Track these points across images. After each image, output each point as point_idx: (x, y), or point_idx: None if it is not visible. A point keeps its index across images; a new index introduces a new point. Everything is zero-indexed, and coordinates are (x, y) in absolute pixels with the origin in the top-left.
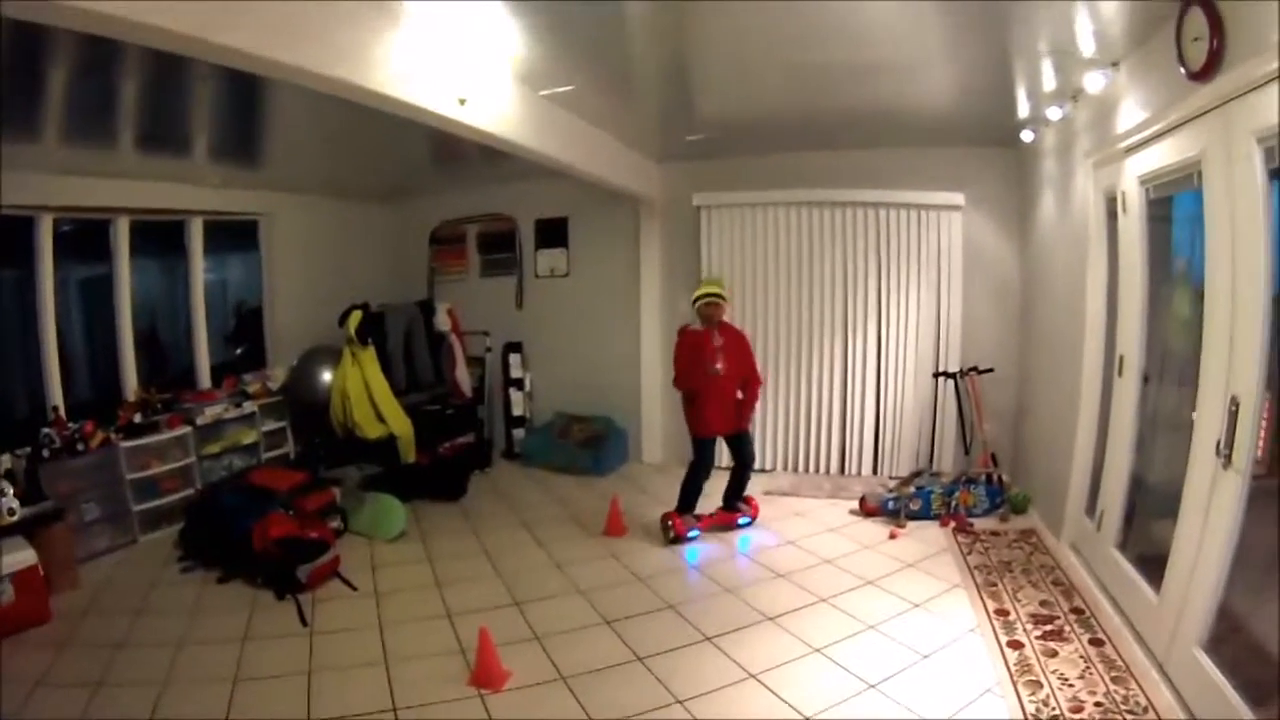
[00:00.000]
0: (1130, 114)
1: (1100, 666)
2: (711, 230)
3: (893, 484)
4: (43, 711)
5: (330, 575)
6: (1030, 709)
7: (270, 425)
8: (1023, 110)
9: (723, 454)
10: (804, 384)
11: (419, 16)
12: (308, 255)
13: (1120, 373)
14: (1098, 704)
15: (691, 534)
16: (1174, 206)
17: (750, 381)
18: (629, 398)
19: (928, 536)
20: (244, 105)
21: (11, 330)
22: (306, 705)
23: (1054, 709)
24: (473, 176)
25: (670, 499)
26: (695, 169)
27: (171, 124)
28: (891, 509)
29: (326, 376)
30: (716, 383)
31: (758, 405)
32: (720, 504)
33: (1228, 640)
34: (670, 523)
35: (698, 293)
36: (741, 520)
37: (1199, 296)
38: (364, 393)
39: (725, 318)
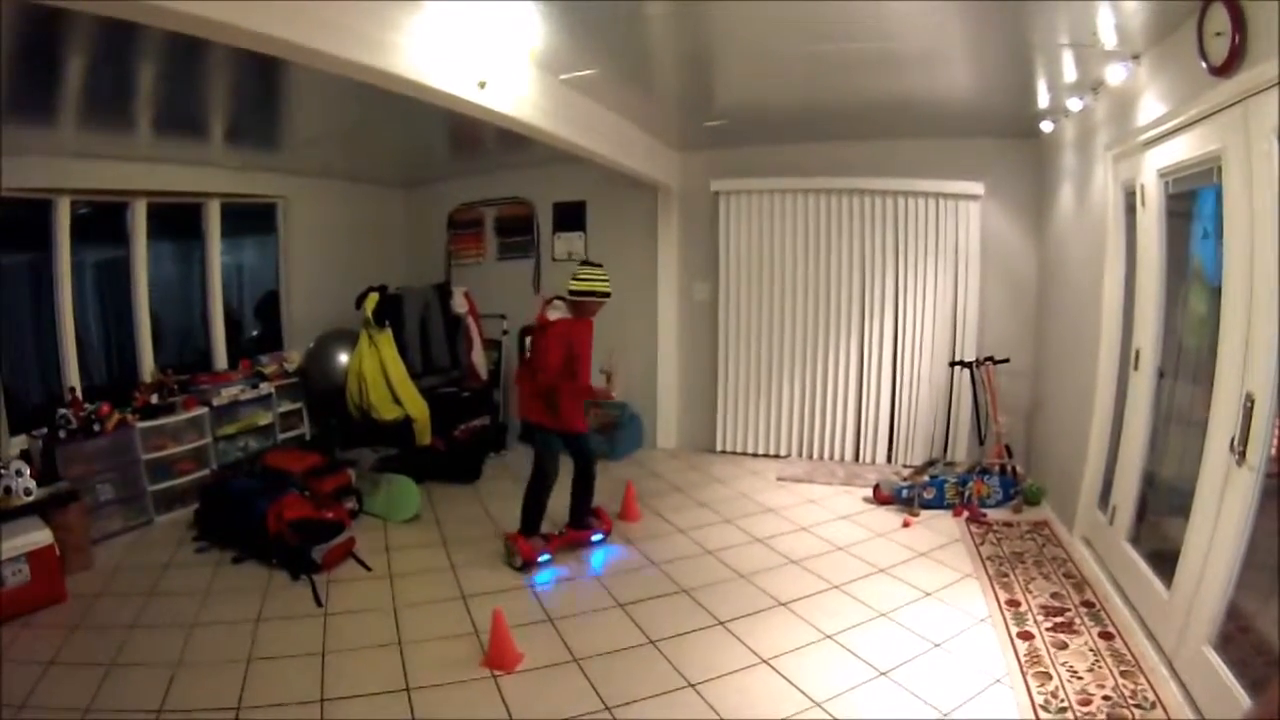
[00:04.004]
0: (1151, 107)
1: (1109, 660)
2: (730, 216)
3: (907, 472)
4: (56, 691)
5: (345, 557)
6: (1039, 700)
7: (286, 407)
8: (1043, 101)
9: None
10: (820, 371)
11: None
12: (325, 238)
13: (1136, 367)
14: (1106, 697)
15: (542, 557)
16: (1198, 202)
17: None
18: (645, 383)
19: (940, 526)
20: (262, 89)
21: (29, 312)
22: (320, 686)
23: (1063, 701)
24: (490, 161)
25: (684, 484)
26: (714, 156)
27: (189, 107)
28: (905, 497)
29: (343, 359)
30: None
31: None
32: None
33: (1237, 639)
34: (513, 546)
35: (597, 286)
36: (594, 536)
37: (1216, 292)
38: (380, 375)
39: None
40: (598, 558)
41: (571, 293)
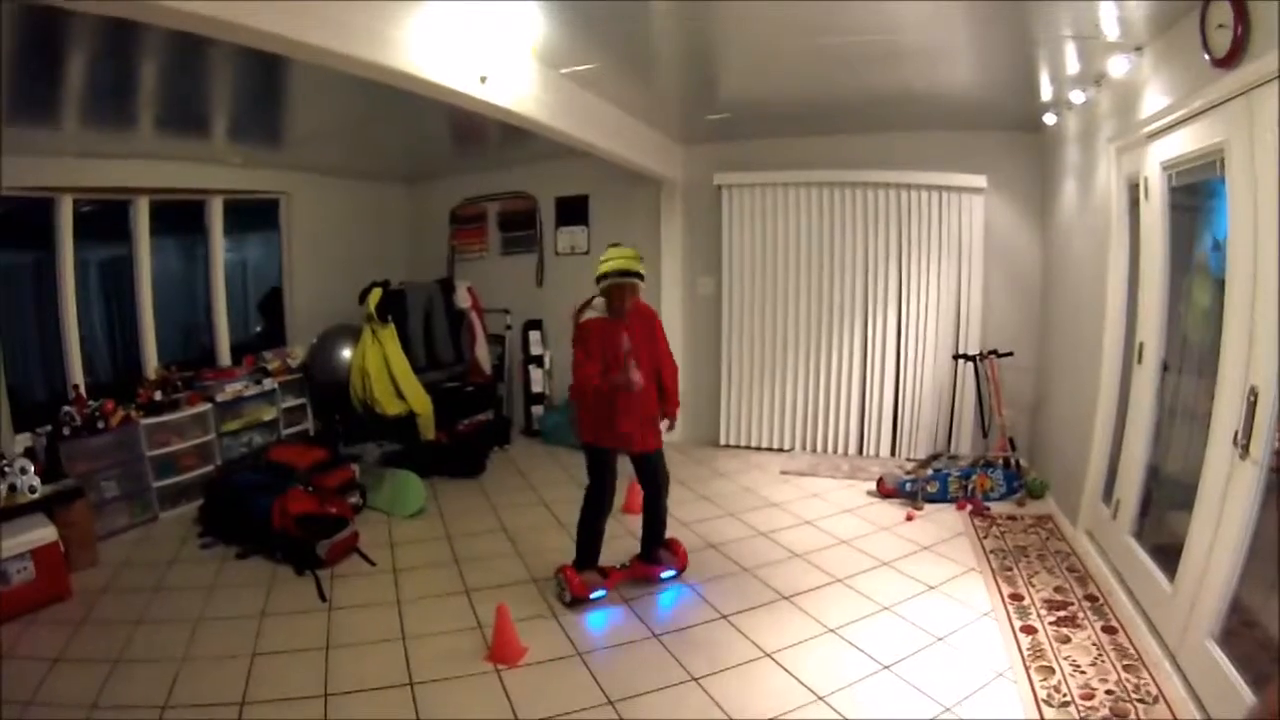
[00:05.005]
0: (1154, 100)
1: (1112, 654)
2: (732, 210)
3: (910, 466)
4: (62, 687)
5: (349, 551)
6: (1042, 694)
7: (290, 402)
8: (1046, 94)
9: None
10: (823, 364)
11: None
12: (328, 234)
13: (1140, 360)
14: (1109, 691)
15: (596, 594)
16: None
17: (674, 372)
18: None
19: (944, 519)
20: (264, 85)
21: (33, 310)
22: (324, 680)
23: (1065, 695)
24: (492, 156)
25: (688, 477)
26: (717, 150)
27: (191, 105)
28: (909, 491)
29: (346, 354)
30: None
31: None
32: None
33: (1239, 633)
34: (563, 578)
35: (609, 266)
36: (664, 573)
37: (1220, 285)
38: (384, 370)
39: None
40: (666, 598)
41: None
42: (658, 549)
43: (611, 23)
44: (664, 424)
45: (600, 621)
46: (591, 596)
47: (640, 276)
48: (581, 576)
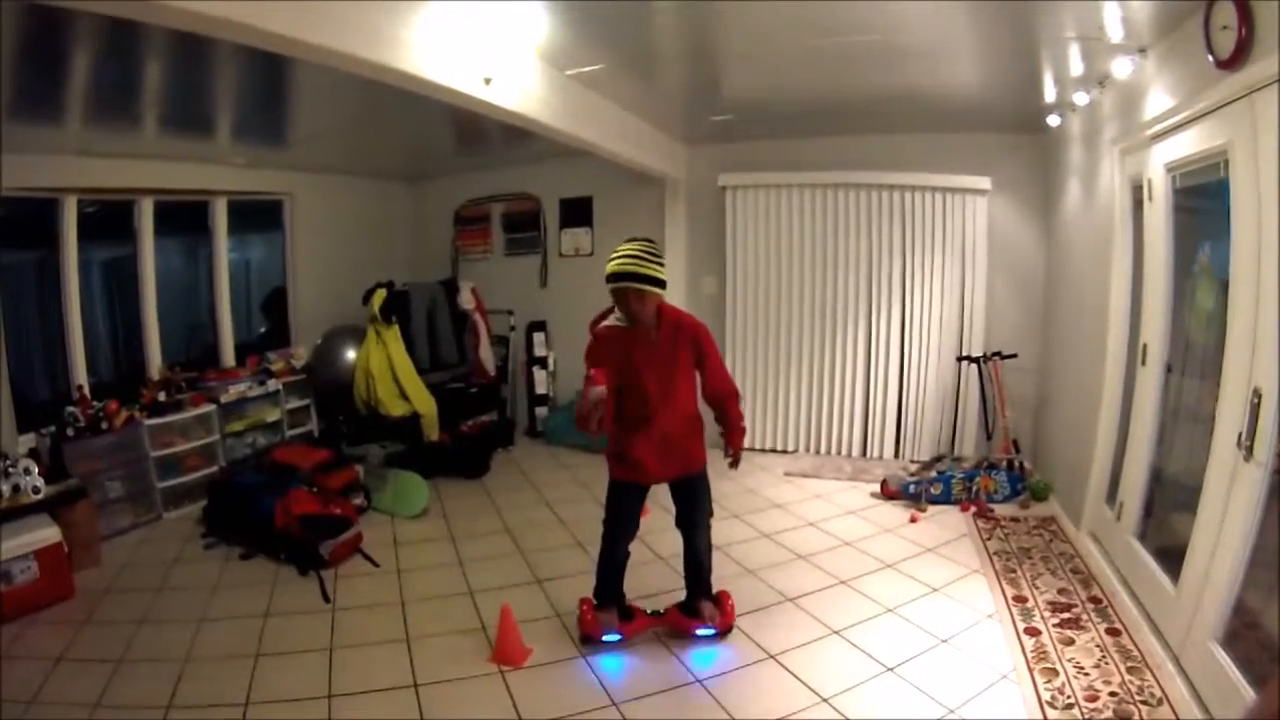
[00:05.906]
0: (1158, 101)
1: (1116, 656)
2: (736, 211)
3: (914, 468)
4: (65, 687)
5: (353, 552)
6: (1046, 696)
7: (294, 403)
8: (1049, 95)
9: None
10: (827, 366)
11: None
12: (331, 234)
13: (1143, 362)
14: (1112, 694)
15: (608, 636)
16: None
17: (727, 398)
18: None
19: (948, 521)
20: (268, 85)
21: (37, 311)
22: (328, 681)
23: (1069, 697)
24: (496, 155)
25: None
26: (721, 150)
27: (195, 105)
28: (912, 493)
29: (350, 355)
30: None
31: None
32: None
33: (1243, 635)
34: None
35: (609, 268)
36: (701, 630)
37: (1224, 287)
38: (388, 371)
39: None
40: (701, 659)
41: None
42: (701, 600)
43: (615, 22)
44: (728, 461)
45: (610, 667)
46: (603, 638)
47: (646, 279)
48: (596, 613)
